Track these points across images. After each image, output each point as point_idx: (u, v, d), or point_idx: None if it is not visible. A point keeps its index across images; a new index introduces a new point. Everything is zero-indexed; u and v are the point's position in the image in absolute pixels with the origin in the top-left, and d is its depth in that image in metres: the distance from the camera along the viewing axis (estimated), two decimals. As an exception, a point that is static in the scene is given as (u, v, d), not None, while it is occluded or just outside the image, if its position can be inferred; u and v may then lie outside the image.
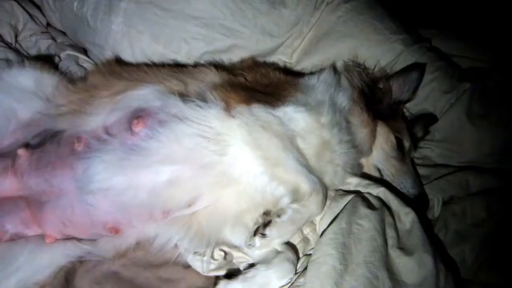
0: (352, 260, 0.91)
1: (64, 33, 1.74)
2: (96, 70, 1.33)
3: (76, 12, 1.51)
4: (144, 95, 1.17)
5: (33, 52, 1.66)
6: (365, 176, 1.20)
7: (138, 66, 1.34)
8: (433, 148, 1.33)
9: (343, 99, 1.21)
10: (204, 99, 1.12)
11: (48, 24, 1.79)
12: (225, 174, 1.09)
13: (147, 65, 1.35)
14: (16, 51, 1.60)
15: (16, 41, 1.67)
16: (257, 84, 1.22)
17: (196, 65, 1.38)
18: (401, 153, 1.25)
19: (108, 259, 1.15)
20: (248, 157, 1.07)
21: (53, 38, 1.72)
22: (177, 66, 1.36)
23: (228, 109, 1.10)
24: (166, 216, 1.14)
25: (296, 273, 1.01)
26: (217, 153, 1.08)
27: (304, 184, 1.05)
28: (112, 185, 1.10)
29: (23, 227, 1.16)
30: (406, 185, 1.19)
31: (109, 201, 1.12)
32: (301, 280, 0.94)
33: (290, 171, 1.06)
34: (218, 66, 1.29)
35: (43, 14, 1.77)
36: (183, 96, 1.14)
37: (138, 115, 1.14)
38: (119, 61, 1.42)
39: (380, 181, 1.19)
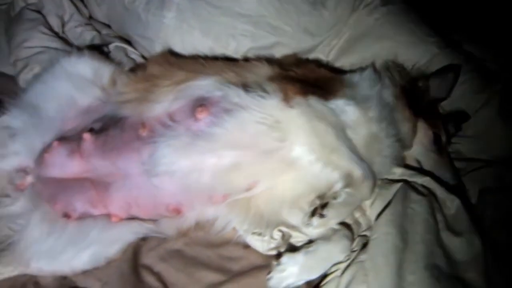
0: (410, 239, 1.01)
1: (107, 25, 1.80)
2: (153, 61, 1.40)
3: (127, 6, 1.58)
4: (205, 85, 1.25)
5: (78, 43, 1.72)
6: (408, 167, 1.30)
7: (194, 58, 1.42)
8: (464, 144, 1.44)
9: (387, 96, 1.31)
10: (263, 90, 1.20)
11: (90, 16, 1.85)
12: (283, 160, 1.18)
13: (202, 57, 1.43)
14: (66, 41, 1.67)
15: (63, 31, 1.73)
16: (307, 78, 1.31)
17: (247, 59, 1.46)
18: (438, 147, 1.36)
19: (170, 238, 1.23)
20: (306, 144, 1.16)
21: (97, 30, 1.78)
22: (230, 60, 1.44)
23: (286, 99, 1.18)
24: (225, 199, 1.22)
25: (353, 251, 1.11)
26: (277, 140, 1.16)
27: (357, 170, 1.15)
28: (178, 168, 1.18)
29: (90, 206, 1.24)
30: (445, 177, 1.29)
31: (174, 183, 1.20)
32: (363, 256, 1.04)
33: (345, 158, 1.16)
34: (268, 61, 1.38)
35: (85, 6, 1.84)
36: (243, 87, 1.22)
37: (201, 103, 1.22)
38: (172, 53, 1.49)
39: (422, 171, 1.28)
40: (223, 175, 1.18)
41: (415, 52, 1.51)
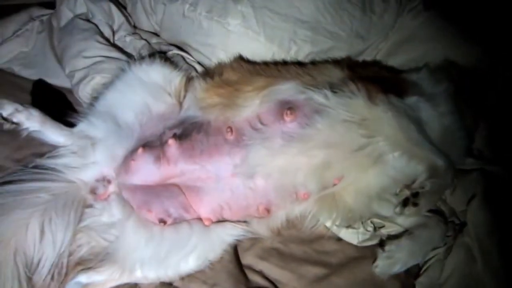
0: (504, 218, 1.12)
1: (154, 34, 1.83)
2: (228, 67, 1.46)
3: (186, 14, 1.63)
4: (288, 89, 1.33)
5: (128, 52, 1.73)
6: (475, 156, 1.42)
7: (267, 64, 1.49)
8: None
9: (452, 92, 1.43)
10: (348, 90, 1.28)
11: (134, 26, 1.87)
12: (370, 155, 1.27)
13: (272, 62, 1.50)
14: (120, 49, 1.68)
15: (113, 41, 1.74)
16: (378, 78, 1.41)
17: (313, 63, 1.54)
18: (493, 138, 1.49)
19: (263, 238, 1.28)
20: (393, 139, 1.25)
21: (144, 39, 1.79)
22: (299, 64, 1.51)
23: (370, 98, 1.27)
24: (312, 196, 1.29)
25: (447, 236, 1.21)
26: (365, 137, 1.25)
27: (440, 162, 1.26)
28: (273, 169, 1.24)
29: (183, 211, 1.28)
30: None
31: (268, 184, 1.27)
32: (465, 239, 1.14)
33: (428, 151, 1.26)
34: (335, 63, 1.47)
35: (130, 16, 1.85)
36: (325, 89, 1.30)
37: (288, 106, 1.28)
38: (242, 58, 1.54)
39: (488, 160, 1.41)
40: (314, 174, 1.26)
41: (460, 53, 1.65)
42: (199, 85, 1.39)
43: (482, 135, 1.48)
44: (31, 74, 1.74)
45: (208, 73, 1.48)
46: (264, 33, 1.58)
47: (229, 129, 1.29)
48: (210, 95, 1.37)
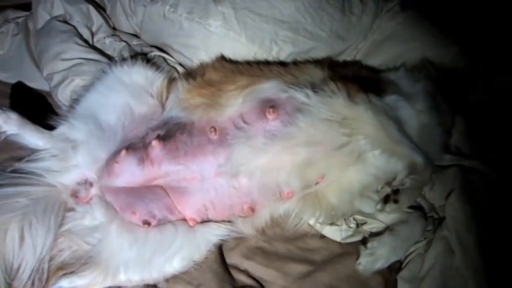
0: (482, 211, 1.18)
1: (134, 36, 1.84)
2: (210, 67, 1.49)
3: (167, 16, 1.64)
4: (270, 88, 1.36)
5: (108, 54, 1.74)
6: (452, 153, 1.48)
7: (249, 64, 1.52)
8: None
9: (431, 90, 1.49)
10: (329, 89, 1.32)
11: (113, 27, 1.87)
12: (351, 153, 1.31)
13: (254, 62, 1.54)
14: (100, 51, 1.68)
15: (93, 42, 1.74)
16: (358, 78, 1.46)
17: (295, 63, 1.58)
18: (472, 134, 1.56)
19: (248, 237, 1.30)
20: (373, 137, 1.30)
21: (124, 41, 1.80)
22: (281, 64, 1.55)
23: (350, 97, 1.32)
24: (295, 195, 1.32)
25: (427, 230, 1.26)
26: (345, 135, 1.29)
27: (419, 159, 1.31)
28: (257, 167, 1.27)
29: (167, 212, 1.29)
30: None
31: (252, 183, 1.30)
32: (444, 232, 1.20)
33: (407, 148, 1.32)
34: (316, 63, 1.51)
35: (109, 17, 1.86)
36: (307, 88, 1.34)
37: (271, 105, 1.31)
38: (223, 59, 1.57)
39: (466, 156, 1.47)
40: (297, 172, 1.29)
41: (438, 52, 1.73)
42: (181, 86, 1.42)
43: (460, 132, 1.55)
44: (7, 77, 1.74)
45: (190, 74, 1.50)
46: (245, 34, 1.61)
47: (212, 129, 1.32)
48: (193, 96, 1.39)
